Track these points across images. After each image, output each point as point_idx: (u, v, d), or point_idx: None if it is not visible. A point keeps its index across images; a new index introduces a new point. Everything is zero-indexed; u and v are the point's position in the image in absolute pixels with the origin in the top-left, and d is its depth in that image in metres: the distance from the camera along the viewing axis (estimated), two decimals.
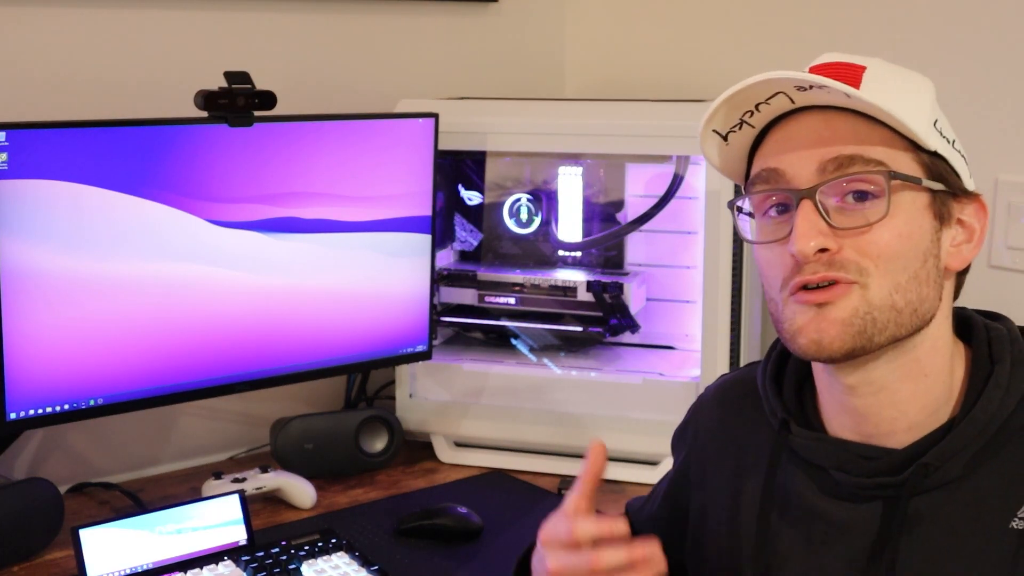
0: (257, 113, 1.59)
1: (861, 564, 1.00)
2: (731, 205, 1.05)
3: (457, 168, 1.99)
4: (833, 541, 1.02)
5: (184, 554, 1.43)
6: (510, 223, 1.98)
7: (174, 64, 1.81)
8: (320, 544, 1.48)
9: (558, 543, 1.01)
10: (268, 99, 1.59)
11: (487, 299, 1.94)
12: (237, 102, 1.57)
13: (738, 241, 1.73)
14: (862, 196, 0.96)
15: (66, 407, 1.52)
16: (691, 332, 1.93)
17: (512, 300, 1.93)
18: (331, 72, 2.00)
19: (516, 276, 1.93)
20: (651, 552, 0.96)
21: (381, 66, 2.06)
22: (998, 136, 1.65)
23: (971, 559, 0.96)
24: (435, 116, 1.76)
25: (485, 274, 1.94)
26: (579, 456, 1.87)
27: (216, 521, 1.46)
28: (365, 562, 1.44)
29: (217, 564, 1.43)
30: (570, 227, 1.94)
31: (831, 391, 1.04)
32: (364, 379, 2.01)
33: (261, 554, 1.45)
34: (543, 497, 1.73)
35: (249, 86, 1.58)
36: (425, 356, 1.83)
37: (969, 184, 1.01)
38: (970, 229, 1.01)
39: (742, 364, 1.74)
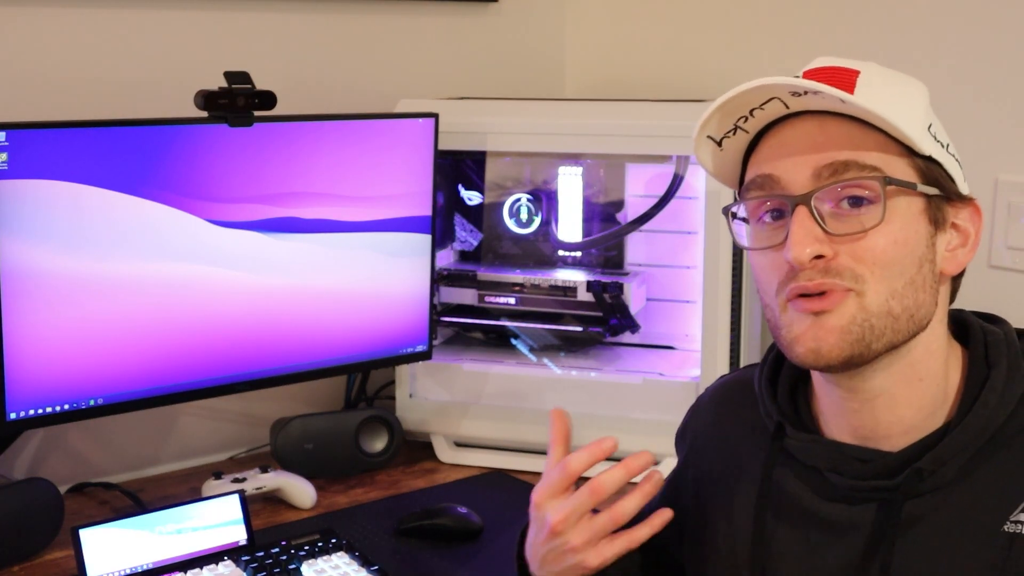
0: (257, 113, 1.59)
1: (856, 566, 1.00)
2: (726, 211, 1.05)
3: (457, 168, 1.99)
4: (828, 543, 1.02)
5: (184, 554, 1.43)
6: (510, 223, 1.98)
7: (174, 64, 1.81)
8: (320, 544, 1.48)
9: (553, 492, 1.02)
10: (268, 99, 1.59)
11: (487, 299, 1.94)
12: (237, 102, 1.57)
13: None
14: (857, 201, 0.96)
15: (66, 407, 1.52)
16: (691, 332, 1.93)
17: (512, 300, 1.93)
18: (331, 72, 2.00)
19: (516, 276, 1.93)
20: (646, 461, 0.98)
21: (381, 66, 2.06)
22: (998, 136, 1.65)
23: (965, 562, 0.96)
24: (435, 116, 1.76)
25: (485, 274, 1.94)
26: None
27: (216, 521, 1.46)
28: (365, 562, 1.44)
29: (217, 564, 1.43)
30: (570, 227, 1.94)
31: (828, 395, 1.04)
32: (364, 379, 2.01)
33: (261, 554, 1.45)
34: None
35: (249, 86, 1.58)
36: (425, 356, 1.83)
37: (963, 188, 1.01)
38: (965, 233, 1.01)
39: (742, 364, 1.75)
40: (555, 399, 1.85)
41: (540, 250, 1.98)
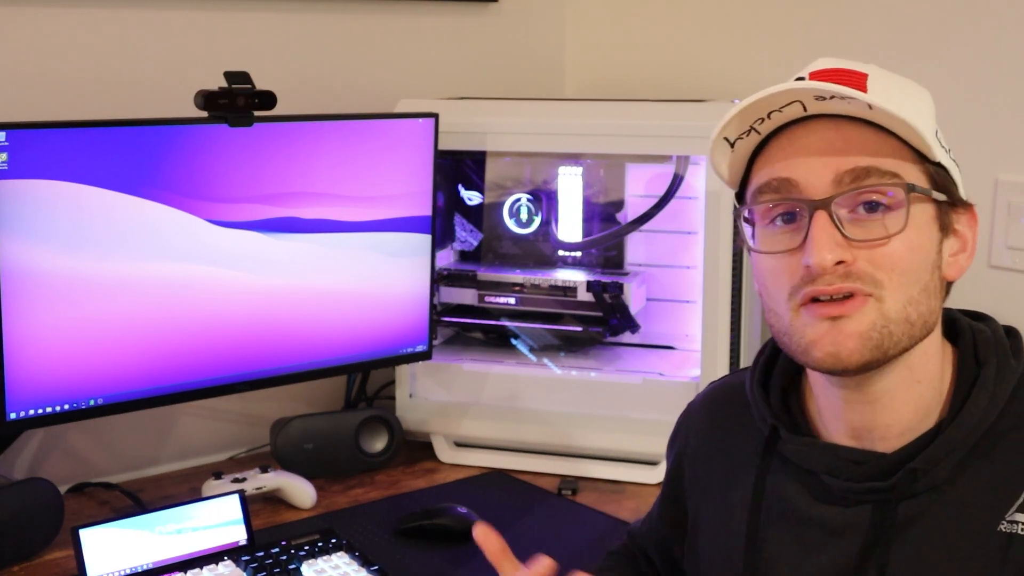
0: (257, 113, 1.59)
1: (852, 568, 1.00)
2: (737, 215, 1.03)
3: (457, 168, 1.99)
4: (823, 545, 1.02)
5: (184, 554, 1.43)
6: (510, 223, 1.98)
7: (174, 64, 1.81)
8: (320, 544, 1.48)
9: None
10: (268, 99, 1.59)
11: (487, 299, 1.94)
12: (237, 102, 1.57)
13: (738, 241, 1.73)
14: (873, 207, 0.95)
15: (66, 407, 1.52)
16: (691, 332, 1.93)
17: (512, 300, 1.93)
18: (331, 72, 2.00)
19: (516, 276, 1.93)
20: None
21: (381, 66, 2.06)
22: (998, 136, 1.65)
23: (960, 562, 0.96)
24: (435, 116, 1.76)
25: (485, 274, 1.94)
26: (579, 456, 1.89)
27: (216, 521, 1.46)
28: (365, 562, 1.44)
29: (217, 564, 1.43)
30: (570, 227, 1.94)
31: (828, 397, 1.04)
32: (364, 379, 2.01)
33: (261, 554, 1.45)
34: (543, 497, 1.73)
35: (249, 86, 1.58)
36: (425, 356, 1.83)
37: (963, 193, 1.01)
38: (963, 239, 1.01)
39: (742, 364, 1.75)
40: (555, 399, 1.85)
41: (540, 250, 1.98)
